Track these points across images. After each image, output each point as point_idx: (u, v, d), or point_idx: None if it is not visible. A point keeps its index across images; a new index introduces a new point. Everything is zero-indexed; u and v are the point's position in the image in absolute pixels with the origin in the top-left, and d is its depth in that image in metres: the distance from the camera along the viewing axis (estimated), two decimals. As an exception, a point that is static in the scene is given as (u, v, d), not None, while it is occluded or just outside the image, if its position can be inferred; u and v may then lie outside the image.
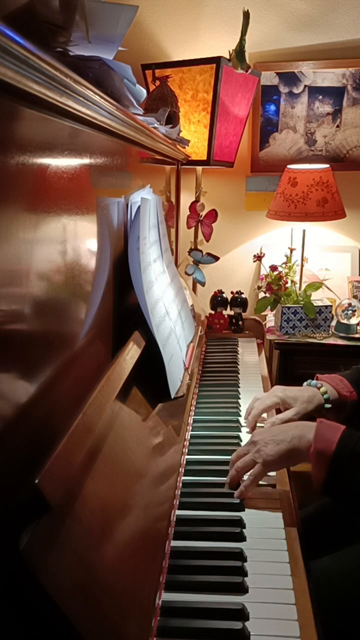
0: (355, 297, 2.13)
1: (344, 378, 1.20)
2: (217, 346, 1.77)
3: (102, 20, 0.64)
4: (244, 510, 0.89)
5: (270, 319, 2.16)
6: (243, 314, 1.93)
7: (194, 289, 2.10)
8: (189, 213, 2.09)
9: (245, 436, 1.14)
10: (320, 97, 2.17)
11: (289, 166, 2.03)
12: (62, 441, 0.57)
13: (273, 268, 2.05)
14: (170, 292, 1.30)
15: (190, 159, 1.94)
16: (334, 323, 2.05)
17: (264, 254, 2.16)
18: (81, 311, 0.78)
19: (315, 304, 2.00)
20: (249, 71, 1.80)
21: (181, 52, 2.14)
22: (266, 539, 0.82)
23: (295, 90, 2.18)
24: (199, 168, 2.11)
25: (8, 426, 0.52)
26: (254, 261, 2.19)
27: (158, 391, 1.05)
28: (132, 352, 0.92)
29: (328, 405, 1.15)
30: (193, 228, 2.12)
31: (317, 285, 2.06)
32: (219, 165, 2.07)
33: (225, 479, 0.95)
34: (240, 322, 1.91)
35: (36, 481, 0.49)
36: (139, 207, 1.09)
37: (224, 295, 1.93)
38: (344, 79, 2.14)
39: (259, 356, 1.70)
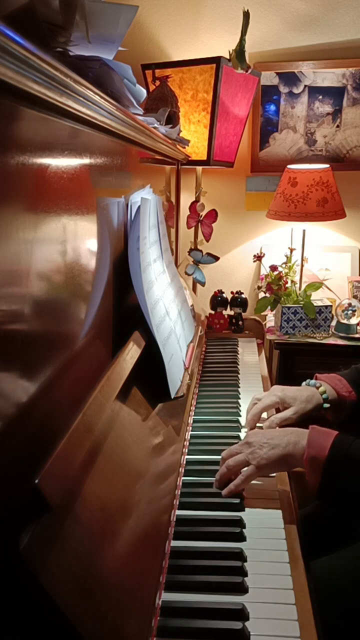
0: (355, 297, 2.14)
1: (343, 378, 1.20)
2: (217, 346, 1.77)
3: (102, 20, 0.64)
4: (244, 510, 0.89)
5: (270, 319, 2.16)
6: (243, 314, 1.93)
7: (194, 289, 2.10)
8: (189, 213, 2.09)
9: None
10: (320, 97, 2.17)
11: (289, 166, 2.04)
12: (62, 441, 0.57)
13: (273, 268, 2.05)
14: (170, 292, 1.30)
15: (190, 159, 1.94)
16: (334, 323, 2.05)
17: (264, 254, 2.16)
18: (81, 311, 0.78)
19: (315, 304, 2.00)
20: (249, 71, 1.80)
21: (181, 52, 2.14)
22: (266, 539, 0.82)
23: (295, 90, 2.18)
24: (199, 168, 2.11)
25: (8, 426, 0.52)
26: (254, 261, 2.19)
27: (158, 391, 1.05)
28: (132, 352, 0.92)
29: (327, 405, 1.15)
30: (193, 228, 2.12)
31: (317, 285, 2.06)
32: (219, 165, 2.07)
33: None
34: (240, 322, 1.91)
35: (36, 481, 0.49)
36: (139, 207, 1.09)
37: (224, 295, 1.93)
38: (344, 79, 2.14)
39: (259, 356, 1.70)
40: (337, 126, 2.19)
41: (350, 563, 0.93)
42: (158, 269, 1.23)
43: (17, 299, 0.56)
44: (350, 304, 2.01)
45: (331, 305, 2.04)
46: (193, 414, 1.25)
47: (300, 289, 2.07)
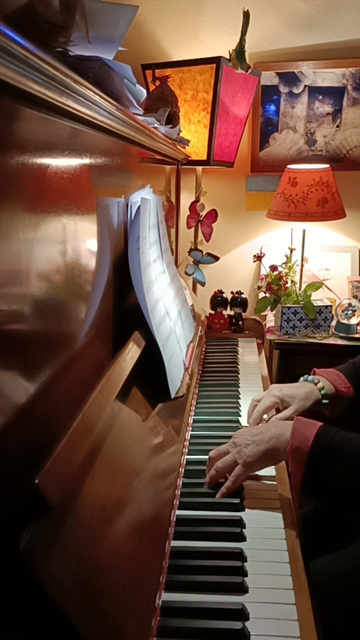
0: (355, 297, 2.14)
1: (341, 373, 1.20)
2: (217, 346, 1.77)
3: (102, 20, 0.64)
4: (244, 510, 0.89)
5: (270, 319, 2.16)
6: (243, 314, 1.93)
7: (194, 289, 2.10)
8: (189, 213, 2.09)
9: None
10: (320, 97, 2.17)
11: (289, 166, 2.03)
12: (62, 441, 0.57)
13: (273, 268, 2.05)
14: (170, 292, 1.30)
15: (190, 159, 1.94)
16: (334, 323, 2.05)
17: (264, 254, 2.16)
18: (81, 311, 0.78)
19: (315, 304, 2.00)
20: (249, 71, 1.80)
21: (181, 52, 2.14)
22: (266, 539, 0.82)
23: (295, 90, 2.18)
24: (199, 168, 2.11)
25: (8, 426, 0.52)
26: (254, 261, 2.19)
27: (158, 391, 1.06)
28: (132, 352, 0.92)
29: (325, 401, 1.15)
30: (193, 228, 2.11)
31: (317, 285, 2.06)
32: (219, 165, 2.07)
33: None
34: (240, 322, 1.91)
35: (36, 481, 0.49)
36: (139, 207, 1.09)
37: (224, 295, 1.93)
38: (344, 79, 2.14)
39: (259, 356, 1.70)
40: (337, 126, 2.19)
41: (350, 563, 0.93)
42: (158, 269, 1.23)
43: (17, 299, 0.56)
44: (350, 304, 2.01)
45: (331, 305, 2.04)
46: (193, 414, 1.25)
47: (300, 289, 2.07)
